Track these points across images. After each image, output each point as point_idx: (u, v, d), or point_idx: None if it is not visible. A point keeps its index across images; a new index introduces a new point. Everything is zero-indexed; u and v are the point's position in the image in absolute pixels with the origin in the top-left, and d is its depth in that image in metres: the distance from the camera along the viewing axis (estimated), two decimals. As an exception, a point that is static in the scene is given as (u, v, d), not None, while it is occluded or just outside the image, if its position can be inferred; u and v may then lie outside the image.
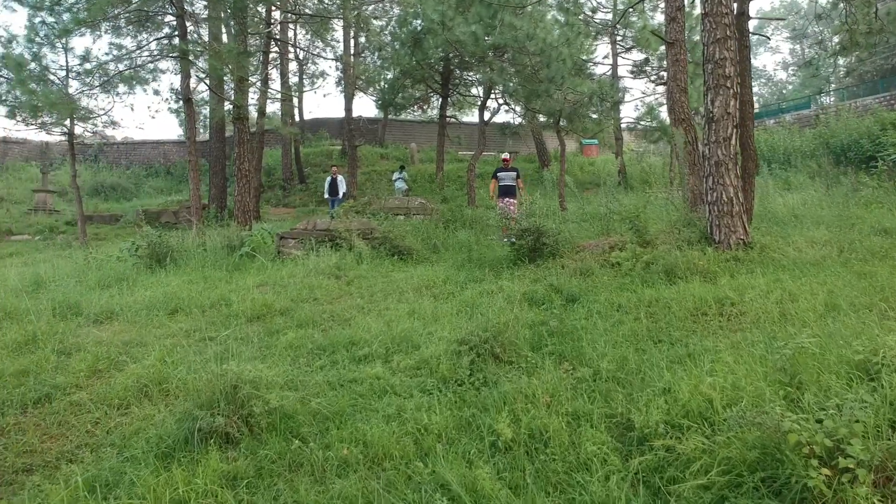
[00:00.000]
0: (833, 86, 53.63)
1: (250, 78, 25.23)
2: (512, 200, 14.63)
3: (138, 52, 16.95)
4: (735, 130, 9.61)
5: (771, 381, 4.28)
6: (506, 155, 16.14)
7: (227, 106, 19.97)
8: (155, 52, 16.21)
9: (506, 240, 12.42)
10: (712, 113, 9.63)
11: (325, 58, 33.60)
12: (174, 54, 15.23)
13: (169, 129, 47.20)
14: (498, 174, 15.19)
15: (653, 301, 7.34)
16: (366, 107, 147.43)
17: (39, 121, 21.10)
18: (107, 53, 18.46)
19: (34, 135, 33.13)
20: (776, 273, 7.86)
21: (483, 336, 5.64)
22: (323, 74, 37.10)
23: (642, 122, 28.42)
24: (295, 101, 36.84)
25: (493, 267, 10.40)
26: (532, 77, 20.32)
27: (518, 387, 4.89)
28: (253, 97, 24.08)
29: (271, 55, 33.37)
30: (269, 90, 23.91)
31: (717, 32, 9.67)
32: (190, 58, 14.93)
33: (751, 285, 7.35)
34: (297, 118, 37.19)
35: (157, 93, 23.66)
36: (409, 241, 12.15)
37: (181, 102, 20.48)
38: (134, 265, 12.20)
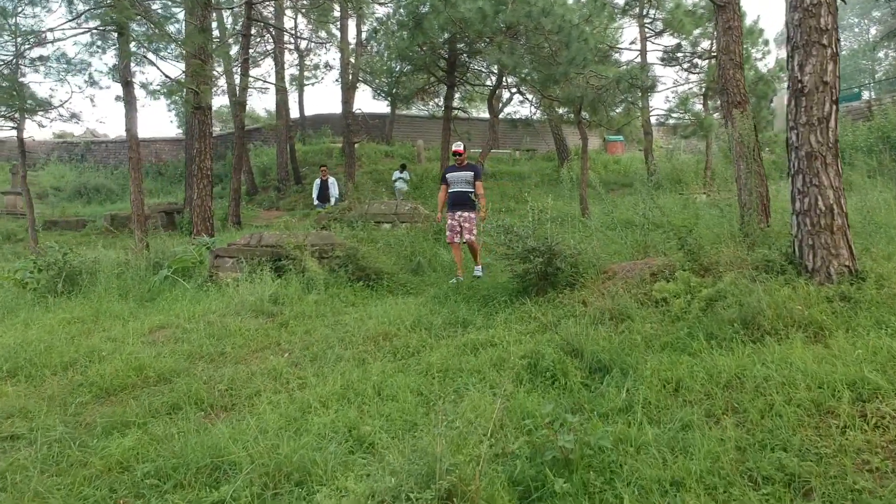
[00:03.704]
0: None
1: (233, 67, 22.60)
2: (467, 215, 9.94)
3: (75, 28, 14.18)
4: (834, 107, 6.66)
5: None
6: (458, 146, 10.54)
7: (216, 97, 17.22)
8: (93, 29, 13.43)
9: (454, 281, 9.30)
10: (801, 82, 6.66)
11: (321, 41, 30.68)
12: (109, 27, 12.53)
13: (162, 126, 44.49)
14: (447, 176, 10.39)
15: (733, 379, 4.44)
16: (374, 102, 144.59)
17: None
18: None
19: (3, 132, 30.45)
20: (925, 327, 4.91)
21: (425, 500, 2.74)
22: (327, 66, 34.18)
23: (674, 115, 25.45)
24: (296, 95, 34.23)
25: (487, 301, 7.53)
26: (549, 60, 17.40)
27: None
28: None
29: (269, 46, 30.86)
30: (251, 78, 21.14)
31: (806, -33, 6.72)
32: (129, 32, 12.18)
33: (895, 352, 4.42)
34: (298, 114, 34.58)
35: (143, 87, 21.47)
36: (381, 262, 9.27)
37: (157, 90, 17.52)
38: (32, 290, 9.44)
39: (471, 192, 9.98)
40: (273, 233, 10.14)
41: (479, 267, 9.85)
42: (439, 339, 6.27)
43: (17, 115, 18.57)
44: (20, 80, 18.47)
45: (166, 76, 14.65)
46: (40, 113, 18.94)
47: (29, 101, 18.03)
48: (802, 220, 6.56)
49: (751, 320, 5.37)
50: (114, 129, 51.26)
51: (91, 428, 4.63)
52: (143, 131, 63.57)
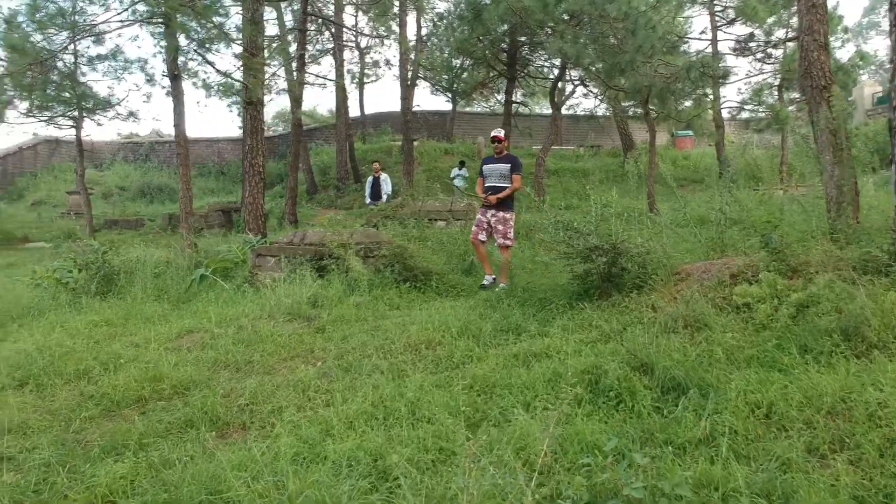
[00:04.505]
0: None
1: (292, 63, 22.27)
2: (501, 215, 8.69)
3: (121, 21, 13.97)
4: (947, 84, 5.78)
5: None
6: (498, 131, 9.27)
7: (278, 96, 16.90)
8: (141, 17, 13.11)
9: (487, 279, 8.47)
10: (909, 55, 5.80)
11: (380, 36, 30.25)
12: (155, 19, 12.20)
13: (224, 126, 44.49)
14: (483, 168, 9.15)
15: (838, 404, 3.66)
16: (434, 99, 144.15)
17: (46, 114, 18.61)
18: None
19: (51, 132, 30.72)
20: None
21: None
22: (387, 63, 33.85)
23: (747, 107, 24.24)
24: (356, 93, 33.95)
25: (545, 304, 6.80)
26: (614, 50, 16.53)
27: None
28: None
29: (329, 45, 30.58)
30: (310, 75, 20.76)
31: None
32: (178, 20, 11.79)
33: None
34: (359, 112, 34.26)
35: (204, 84, 20.91)
36: (430, 261, 8.64)
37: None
38: (70, 291, 9.09)
39: (507, 188, 8.80)
40: (317, 230, 9.59)
41: (504, 284, 8.39)
42: (488, 348, 5.59)
43: (76, 115, 18.60)
44: (79, 79, 18.49)
45: (218, 71, 14.22)
46: (98, 112, 18.96)
47: (90, 100, 18.02)
48: (910, 213, 5.69)
49: (853, 331, 4.55)
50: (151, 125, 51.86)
51: (89, 449, 4.09)
52: (207, 131, 64.31)
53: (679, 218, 10.88)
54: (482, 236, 8.75)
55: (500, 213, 8.69)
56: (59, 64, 17.75)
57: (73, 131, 19.28)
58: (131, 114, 19.42)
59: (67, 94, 17.91)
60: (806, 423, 3.55)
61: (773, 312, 5.29)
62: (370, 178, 18.62)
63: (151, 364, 5.51)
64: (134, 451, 3.93)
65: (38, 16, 15.55)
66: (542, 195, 17.72)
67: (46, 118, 18.77)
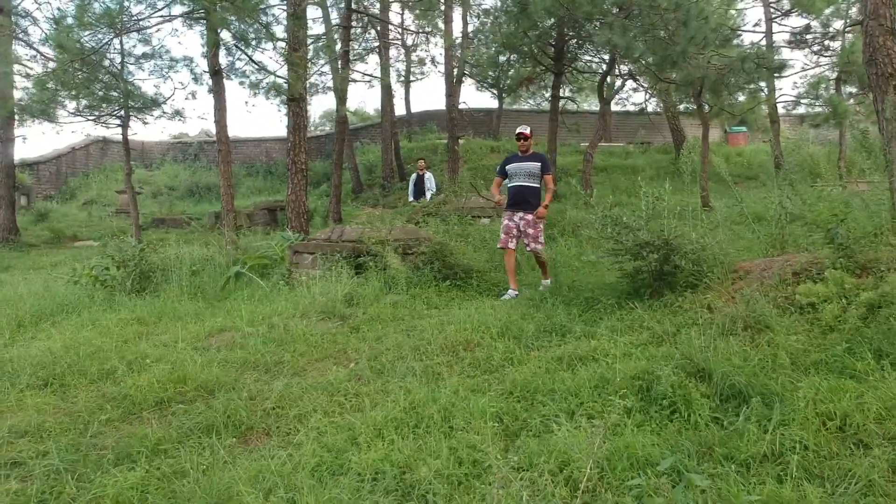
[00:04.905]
0: None
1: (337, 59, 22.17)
2: (530, 218, 8.14)
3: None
4: None
5: None
6: (524, 128, 8.47)
7: (323, 95, 16.83)
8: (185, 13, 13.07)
9: (510, 293, 7.75)
10: None
11: (425, 32, 29.98)
12: (196, 13, 12.10)
13: (272, 126, 44.59)
14: (507, 167, 8.49)
15: (923, 417, 3.24)
16: (480, 96, 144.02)
17: (94, 114, 18.73)
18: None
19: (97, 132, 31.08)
20: None
21: None
22: (433, 61, 33.66)
23: (803, 101, 23.43)
24: (402, 91, 33.85)
25: (591, 303, 6.44)
26: (665, 42, 15.99)
27: None
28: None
29: (375, 43, 30.47)
30: (356, 72, 20.61)
31: None
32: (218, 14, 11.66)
33: None
34: (405, 110, 34.13)
35: (253, 84, 20.78)
36: (471, 259, 8.31)
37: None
38: (108, 288, 8.99)
39: (536, 188, 8.30)
40: (355, 227, 9.34)
41: (548, 280, 8.14)
42: (529, 350, 5.24)
43: (122, 114, 18.67)
44: (126, 77, 18.57)
45: (260, 67, 14.11)
46: (144, 111, 19.02)
47: (137, 99, 18.08)
48: None
49: (935, 334, 4.11)
50: (229, 129, 52.23)
51: (102, 455, 3.85)
52: (255, 131, 64.81)
53: (735, 214, 10.38)
54: (513, 244, 8.22)
55: (530, 216, 8.19)
56: (106, 63, 17.86)
57: (121, 130, 19.37)
58: (177, 112, 19.39)
59: (115, 93, 17.99)
60: (887, 438, 3.14)
61: (841, 313, 4.86)
62: (414, 176, 18.39)
63: (177, 364, 5.28)
64: (148, 458, 3.69)
65: (85, 16, 15.67)
66: (588, 189, 17.27)
67: (94, 117, 18.86)
